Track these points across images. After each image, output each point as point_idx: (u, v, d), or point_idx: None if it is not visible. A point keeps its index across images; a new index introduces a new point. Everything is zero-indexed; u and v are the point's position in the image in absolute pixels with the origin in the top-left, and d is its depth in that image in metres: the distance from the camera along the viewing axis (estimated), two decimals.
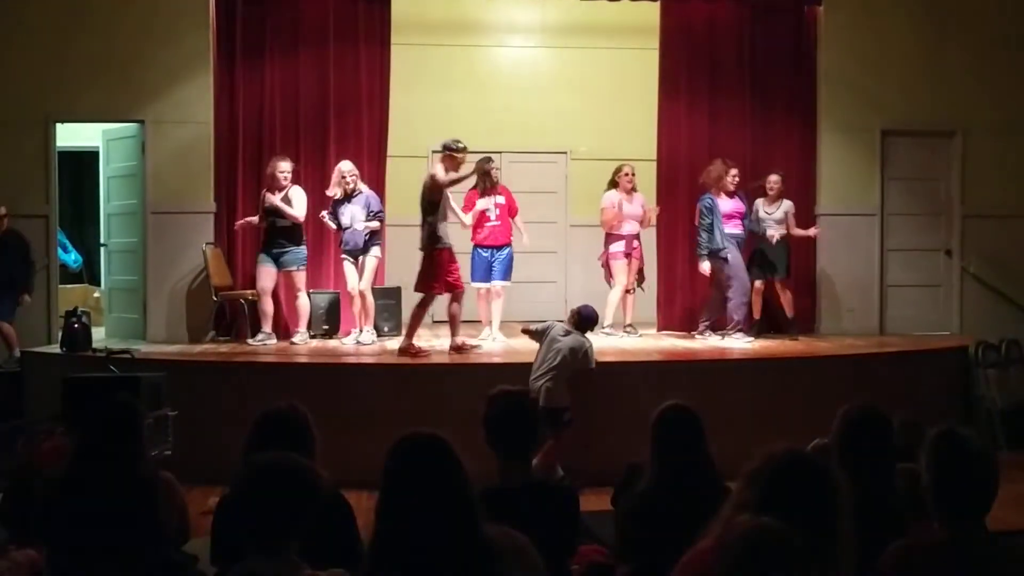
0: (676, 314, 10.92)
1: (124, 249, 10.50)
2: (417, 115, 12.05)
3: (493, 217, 9.97)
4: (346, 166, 9.71)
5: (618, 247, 10.29)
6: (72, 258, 12.42)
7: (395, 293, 10.56)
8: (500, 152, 12.76)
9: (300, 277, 9.69)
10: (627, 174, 10.33)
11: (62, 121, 10.11)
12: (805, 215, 10.88)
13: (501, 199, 10.06)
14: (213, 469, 6.03)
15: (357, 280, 9.69)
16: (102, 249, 11.09)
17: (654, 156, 11.03)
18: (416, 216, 12.46)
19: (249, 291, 10.02)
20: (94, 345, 8.92)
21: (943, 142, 11.07)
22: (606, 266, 10.50)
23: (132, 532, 3.77)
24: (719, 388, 8.09)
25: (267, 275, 9.65)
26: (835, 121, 10.88)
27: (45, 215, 9.96)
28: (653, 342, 10.09)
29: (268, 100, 10.36)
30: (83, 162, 12.56)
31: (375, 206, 9.70)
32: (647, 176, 11.14)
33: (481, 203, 9.95)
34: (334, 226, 9.76)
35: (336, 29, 10.50)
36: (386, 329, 10.32)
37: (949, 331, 10.84)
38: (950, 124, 10.95)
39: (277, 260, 9.63)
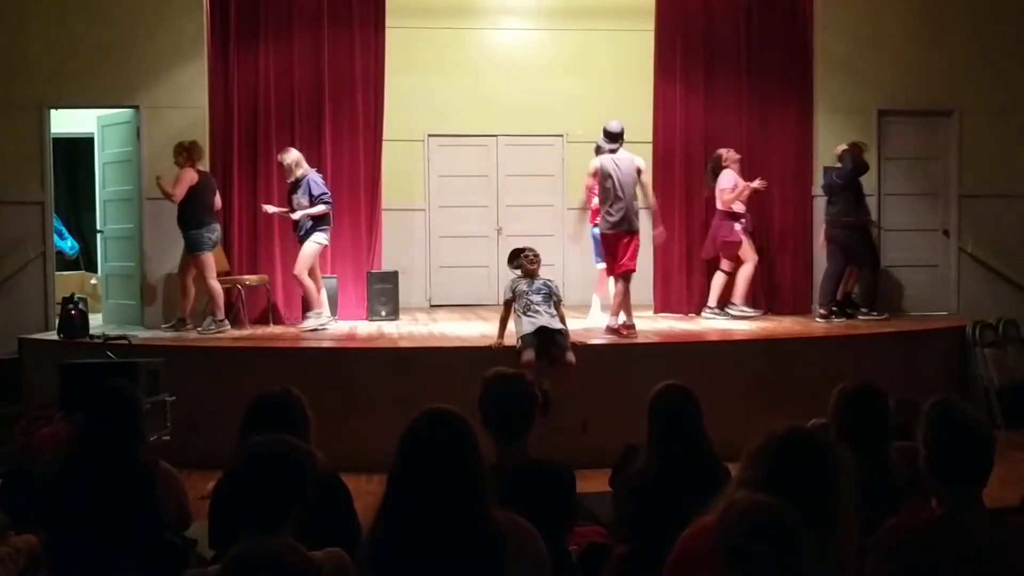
0: (673, 296, 10.91)
1: (121, 235, 10.48)
2: (413, 99, 12.03)
3: None
4: (281, 156, 9.64)
5: (739, 226, 10.22)
6: (68, 245, 12.43)
7: (392, 277, 10.56)
8: (496, 135, 12.79)
9: (197, 261, 9.45)
10: (733, 151, 10.31)
11: (56, 107, 10.07)
12: (802, 196, 10.90)
13: None
14: (211, 454, 6.04)
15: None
16: (98, 235, 11.08)
17: (650, 139, 11.00)
18: (412, 201, 12.60)
19: (247, 276, 10.03)
20: (91, 331, 8.92)
21: (940, 122, 11.05)
22: (722, 247, 10.27)
23: (131, 517, 3.78)
24: (717, 369, 8.11)
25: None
26: (832, 102, 10.85)
27: (40, 202, 9.93)
28: (650, 324, 10.09)
29: (263, 84, 10.34)
30: (79, 148, 12.53)
31: (315, 190, 9.48)
32: (643, 158, 11.12)
33: None
34: (288, 213, 9.64)
35: (330, 12, 10.47)
36: (383, 313, 10.34)
37: (946, 311, 10.84)
38: (947, 103, 10.93)
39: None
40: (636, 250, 8.98)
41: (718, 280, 10.34)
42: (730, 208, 10.13)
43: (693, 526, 2.91)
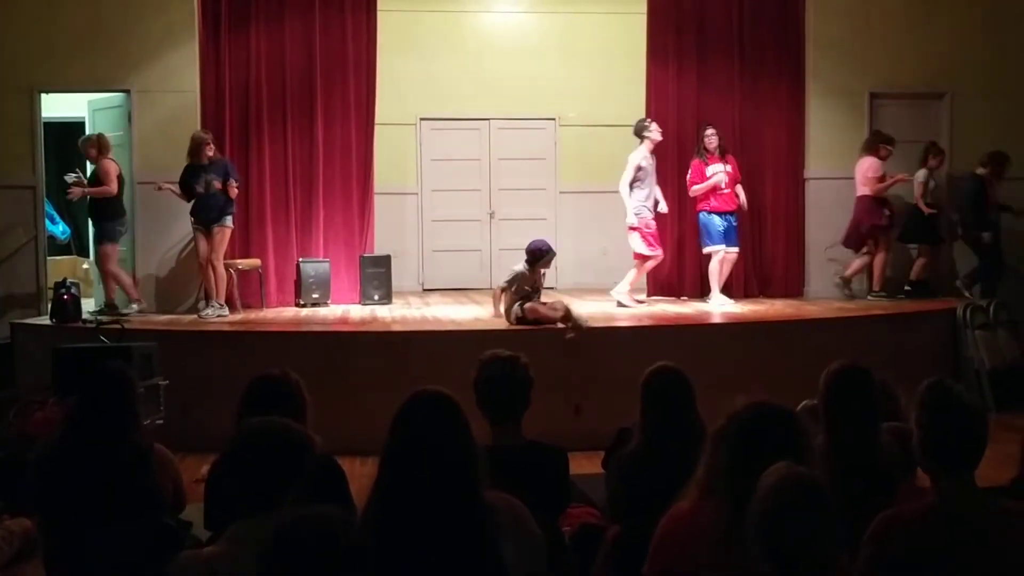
0: (665, 280, 10.93)
1: None
2: (405, 82, 12.00)
3: (723, 184, 10.05)
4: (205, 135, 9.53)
5: (887, 212, 10.37)
6: (60, 229, 12.38)
7: (385, 261, 10.56)
8: (488, 119, 12.77)
9: (103, 250, 9.56)
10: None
11: (47, 91, 10.03)
12: (794, 178, 10.91)
13: (728, 167, 10.12)
14: (205, 438, 6.05)
15: (206, 250, 9.46)
16: (90, 220, 11.02)
17: None
18: (404, 184, 12.58)
19: (239, 261, 10.01)
20: (84, 316, 8.91)
21: (932, 104, 11.06)
22: (868, 232, 10.42)
23: (126, 499, 3.79)
24: (709, 352, 8.10)
25: None
26: (824, 84, 10.86)
27: (32, 186, 9.90)
28: (644, 307, 10.10)
29: (254, 68, 10.30)
30: (70, 133, 12.46)
31: (235, 173, 9.50)
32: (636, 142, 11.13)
33: (714, 169, 10.02)
34: (182, 195, 9.47)
35: None
36: (376, 297, 10.34)
37: (938, 293, 10.85)
38: (939, 86, 10.94)
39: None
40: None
41: (876, 262, 10.49)
42: (878, 194, 10.26)
43: (671, 511, 2.92)
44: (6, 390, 8.10)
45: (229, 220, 9.51)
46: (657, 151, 10.81)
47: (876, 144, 10.37)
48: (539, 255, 8.63)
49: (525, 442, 3.84)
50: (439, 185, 12.74)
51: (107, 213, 9.53)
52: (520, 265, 8.63)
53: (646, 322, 9.07)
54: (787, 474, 2.41)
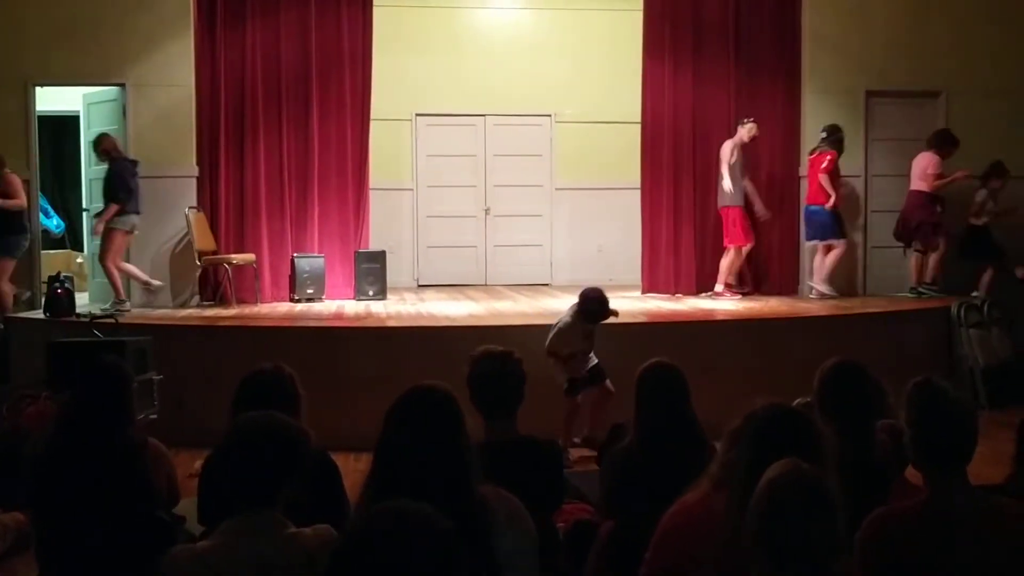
0: (660, 277, 10.93)
1: None
2: (401, 78, 11.99)
3: None
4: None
5: (940, 209, 10.37)
6: (54, 223, 12.37)
7: (380, 257, 10.56)
8: (484, 115, 12.76)
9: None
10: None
11: (41, 84, 10.00)
12: (789, 176, 10.91)
13: None
14: (199, 433, 6.03)
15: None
16: (84, 214, 11.02)
17: (639, 119, 11.00)
18: (400, 180, 12.58)
19: (233, 256, 10.00)
20: (78, 310, 8.89)
21: (928, 103, 11.06)
22: (918, 228, 10.39)
23: (120, 494, 3.78)
24: (705, 350, 8.09)
25: None
26: (819, 82, 10.85)
27: (26, 180, 9.81)
28: (639, 304, 10.11)
29: (250, 63, 10.28)
30: (64, 126, 12.45)
31: (116, 179, 9.30)
32: (632, 138, 11.14)
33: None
34: None
35: None
36: (371, 293, 10.34)
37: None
38: (935, 85, 10.93)
39: None
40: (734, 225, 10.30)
41: (932, 258, 10.45)
42: (936, 191, 10.25)
43: (676, 505, 2.92)
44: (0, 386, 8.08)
45: (116, 220, 9.28)
46: (653, 148, 10.87)
47: (946, 144, 10.30)
48: (589, 306, 7.15)
49: (519, 437, 3.84)
50: (434, 181, 12.74)
51: (11, 227, 9.22)
52: (568, 316, 7.27)
53: (641, 319, 9.06)
54: (787, 470, 2.41)
